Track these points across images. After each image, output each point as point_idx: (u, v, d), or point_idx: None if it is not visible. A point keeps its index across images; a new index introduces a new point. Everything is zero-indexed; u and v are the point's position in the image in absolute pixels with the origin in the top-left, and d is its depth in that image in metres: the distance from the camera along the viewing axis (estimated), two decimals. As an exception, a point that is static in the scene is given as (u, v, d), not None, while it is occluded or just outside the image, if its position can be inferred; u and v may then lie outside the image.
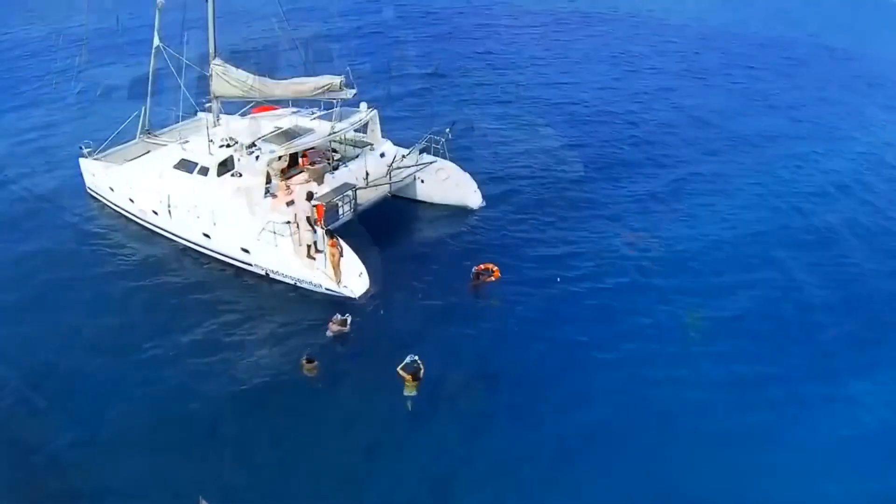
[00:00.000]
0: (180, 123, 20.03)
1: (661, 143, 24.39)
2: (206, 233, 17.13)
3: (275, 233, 15.90)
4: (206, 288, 16.49)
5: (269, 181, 17.33)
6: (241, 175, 17.09)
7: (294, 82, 18.36)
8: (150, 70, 19.17)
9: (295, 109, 19.59)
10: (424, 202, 19.66)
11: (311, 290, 16.10)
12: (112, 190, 19.09)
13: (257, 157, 17.03)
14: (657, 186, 21.43)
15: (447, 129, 19.42)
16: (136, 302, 15.89)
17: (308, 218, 15.92)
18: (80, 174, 20.00)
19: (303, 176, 18.08)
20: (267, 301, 16.24)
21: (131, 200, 18.58)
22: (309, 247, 15.98)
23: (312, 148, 18.41)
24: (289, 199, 17.00)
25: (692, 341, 14.87)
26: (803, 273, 17.36)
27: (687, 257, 17.89)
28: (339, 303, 15.53)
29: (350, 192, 17.51)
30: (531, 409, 13.16)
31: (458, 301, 15.93)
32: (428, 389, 13.32)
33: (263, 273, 16.67)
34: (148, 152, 19.20)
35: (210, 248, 17.35)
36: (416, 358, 13.10)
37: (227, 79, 18.28)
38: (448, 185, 19.23)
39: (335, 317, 14.84)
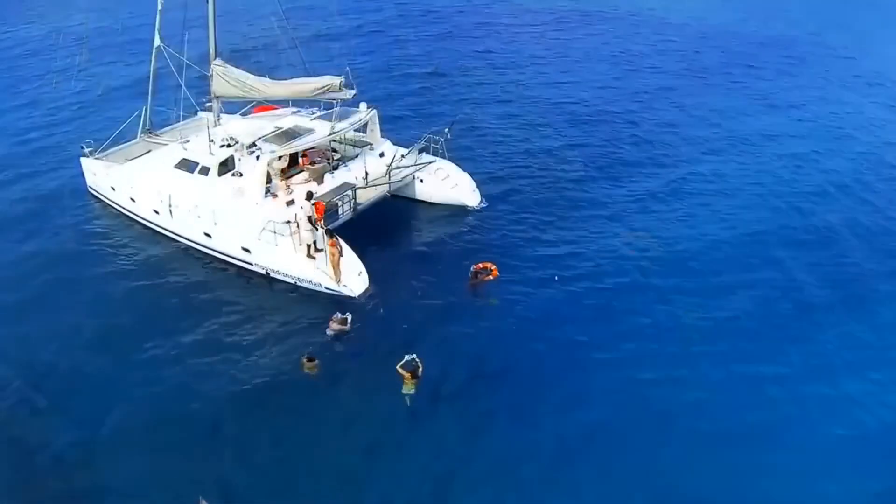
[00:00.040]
0: (181, 123, 20.10)
1: (661, 143, 24.37)
2: (206, 232, 17.18)
3: (275, 232, 15.96)
4: (206, 287, 16.53)
5: (269, 181, 17.37)
6: (241, 175, 17.12)
7: (294, 83, 18.42)
8: (151, 70, 19.23)
9: (295, 109, 19.66)
10: (423, 202, 19.70)
11: (312, 290, 16.14)
12: (113, 189, 19.13)
13: (258, 157, 17.06)
14: (657, 186, 21.43)
15: (446, 129, 19.47)
16: (137, 302, 15.94)
17: (309, 217, 15.95)
18: (82, 174, 20.04)
19: (303, 175, 18.12)
20: (267, 300, 16.29)
21: (132, 200, 18.62)
22: (309, 246, 16.02)
23: (312, 148, 18.45)
24: (289, 198, 17.03)
25: (690, 342, 14.89)
26: (803, 273, 17.37)
27: (686, 257, 17.90)
28: (339, 302, 15.58)
29: (350, 192, 17.57)
30: (530, 409, 13.21)
31: (456, 300, 15.97)
32: (427, 388, 13.38)
33: (264, 272, 16.72)
34: (149, 152, 19.25)
35: (211, 247, 17.39)
36: (415, 356, 13.22)
37: (227, 79, 18.36)
38: (447, 184, 19.27)
39: (335, 316, 14.90)
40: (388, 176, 18.53)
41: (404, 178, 19.03)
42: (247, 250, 16.69)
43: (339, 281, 15.74)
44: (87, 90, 27.47)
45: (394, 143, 19.87)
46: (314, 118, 18.65)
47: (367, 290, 15.85)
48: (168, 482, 11.53)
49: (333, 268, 15.65)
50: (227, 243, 17.03)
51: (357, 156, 19.02)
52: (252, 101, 20.02)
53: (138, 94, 21.57)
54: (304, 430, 12.75)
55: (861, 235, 19.16)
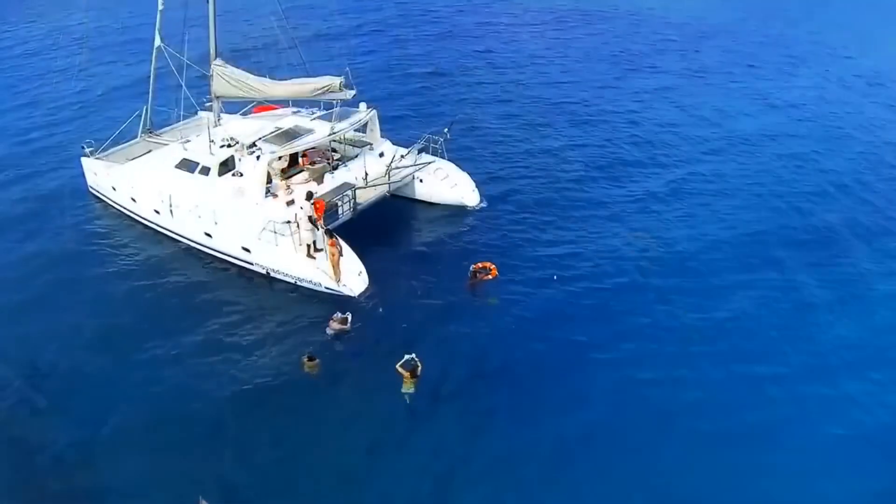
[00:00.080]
0: (181, 122, 20.13)
1: (661, 143, 24.37)
2: (207, 232, 17.22)
3: (275, 232, 15.99)
4: (207, 287, 16.56)
5: (269, 181, 17.40)
6: (241, 175, 17.14)
7: (294, 83, 18.45)
8: (152, 70, 19.25)
9: (295, 109, 19.68)
10: (423, 201, 19.72)
11: (312, 289, 16.17)
12: (114, 189, 19.16)
13: (258, 157, 17.09)
14: (656, 186, 21.43)
15: (445, 129, 19.50)
16: (138, 302, 15.95)
17: (310, 217, 15.98)
18: (82, 173, 20.06)
19: (303, 175, 18.14)
20: (268, 300, 16.32)
21: (133, 200, 18.65)
22: (309, 246, 16.05)
23: (313, 148, 18.47)
24: (289, 198, 17.06)
25: (689, 342, 14.91)
26: (802, 273, 17.37)
27: (686, 257, 17.91)
28: (339, 301, 15.60)
29: (349, 192, 17.60)
30: (530, 408, 13.23)
31: (456, 300, 16.00)
32: (427, 388, 13.41)
33: (264, 272, 16.75)
34: (149, 151, 19.26)
35: (211, 247, 17.43)
36: (414, 356, 13.29)
37: (227, 79, 18.39)
38: (446, 184, 19.30)
39: (336, 315, 14.94)
40: (387, 176, 18.56)
41: (404, 178, 19.05)
42: (247, 250, 16.73)
43: (338, 281, 15.77)
44: (87, 90, 27.46)
45: (394, 143, 19.89)
46: (314, 118, 18.67)
47: (366, 289, 15.89)
48: (168, 482, 11.55)
49: (333, 267, 15.68)
50: (227, 243, 17.06)
51: (357, 156, 19.04)
52: (252, 101, 20.04)
53: (139, 94, 21.57)
54: (304, 429, 12.79)
55: (860, 235, 19.17)
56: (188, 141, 18.32)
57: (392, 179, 18.62)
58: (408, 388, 13.19)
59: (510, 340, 14.90)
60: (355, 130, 19.18)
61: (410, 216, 19.50)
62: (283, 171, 18.30)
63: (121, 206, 19.27)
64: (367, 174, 18.46)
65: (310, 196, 16.52)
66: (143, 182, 18.12)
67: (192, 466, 11.86)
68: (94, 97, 26.68)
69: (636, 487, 11.70)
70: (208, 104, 19.65)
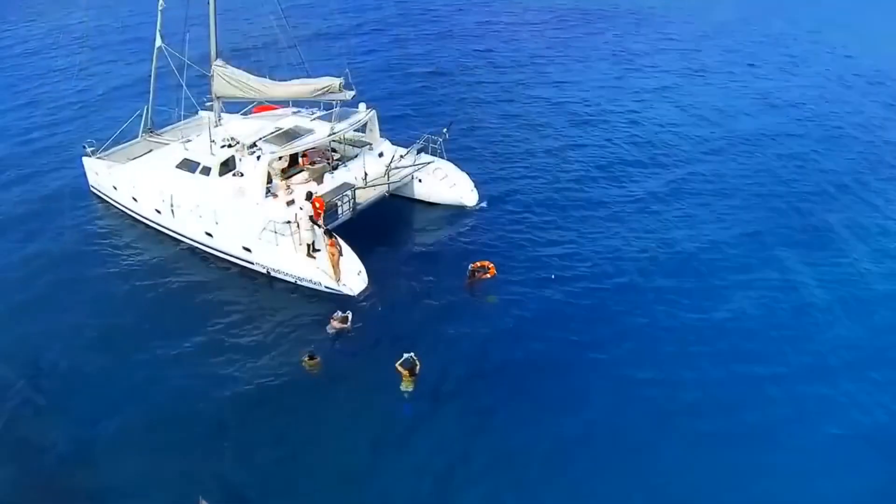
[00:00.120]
0: (182, 122, 20.19)
1: (661, 143, 24.36)
2: (208, 232, 17.27)
3: (275, 232, 16.04)
4: (207, 287, 16.60)
5: (269, 181, 17.45)
6: (242, 175, 17.19)
7: (294, 83, 18.50)
8: (153, 70, 19.28)
9: (295, 109, 19.73)
10: (422, 201, 19.76)
11: (312, 289, 16.22)
12: (115, 189, 19.21)
13: (258, 158, 17.13)
14: (656, 186, 21.44)
15: (444, 130, 19.56)
16: (138, 301, 15.99)
17: (311, 217, 16.04)
18: (84, 173, 20.10)
19: (303, 175, 18.19)
20: (268, 300, 16.37)
21: (134, 199, 18.70)
22: (309, 246, 16.11)
23: (313, 148, 18.51)
24: (289, 198, 17.11)
25: (688, 342, 14.94)
26: (801, 273, 17.39)
27: (685, 257, 17.93)
28: (339, 301, 15.65)
29: (349, 192, 17.65)
30: (529, 407, 13.27)
31: (455, 299, 16.05)
32: (426, 386, 13.48)
33: (265, 272, 16.80)
34: (150, 151, 19.30)
35: (212, 246, 17.48)
36: (413, 354, 13.42)
37: (228, 79, 18.44)
38: (445, 184, 19.34)
39: (336, 314, 15.01)
40: (387, 176, 18.60)
41: (403, 178, 19.10)
42: (248, 250, 16.78)
43: (338, 280, 15.83)
44: (88, 89, 27.50)
45: (394, 143, 19.94)
46: (314, 118, 18.71)
47: (366, 289, 15.94)
48: (168, 482, 11.59)
49: (333, 267, 15.74)
50: (228, 243, 17.11)
51: (356, 156, 19.09)
52: (252, 102, 20.08)
53: (139, 94, 21.62)
54: (305, 429, 12.83)
55: (860, 235, 19.17)
56: (189, 141, 18.37)
57: (391, 179, 18.67)
58: (406, 386, 13.32)
59: (509, 340, 14.95)
60: (355, 130, 19.22)
61: (409, 216, 19.54)
62: (283, 171, 18.35)
63: (122, 205, 19.32)
64: (366, 174, 18.51)
65: (309, 196, 16.57)
66: (145, 182, 18.17)
67: (192, 466, 11.90)
68: (95, 97, 26.71)
69: (635, 487, 11.74)
70: (209, 104, 19.70)
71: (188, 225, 17.63)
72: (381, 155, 19.25)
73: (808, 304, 16.28)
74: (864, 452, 12.54)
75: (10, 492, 11.60)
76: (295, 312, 15.78)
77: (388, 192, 18.66)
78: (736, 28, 38.23)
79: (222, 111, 19.56)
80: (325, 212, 16.55)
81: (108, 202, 19.83)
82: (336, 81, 17.82)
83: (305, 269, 16.13)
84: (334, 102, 18.20)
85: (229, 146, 17.60)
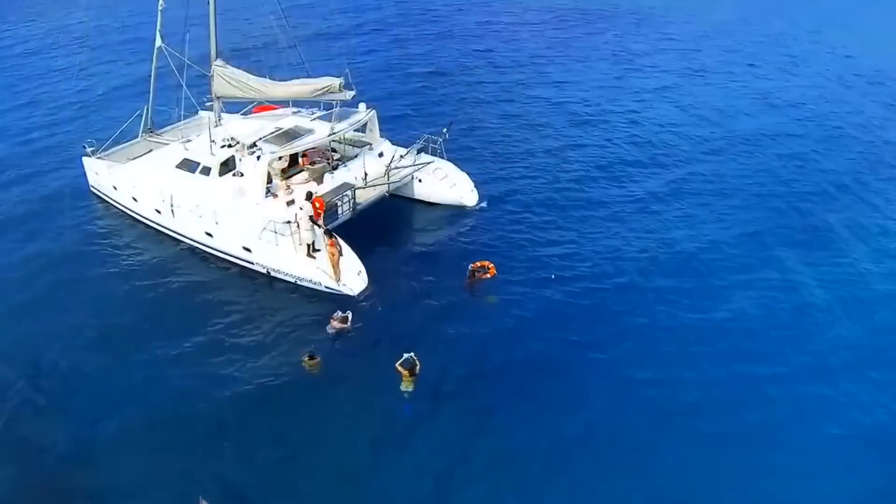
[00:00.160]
0: (182, 122, 20.21)
1: (661, 143, 24.37)
2: (208, 232, 17.29)
3: (276, 232, 16.05)
4: (208, 287, 16.61)
5: (269, 181, 17.46)
6: (242, 175, 17.20)
7: (294, 84, 18.51)
8: (153, 70, 19.30)
9: (295, 109, 19.74)
10: (422, 201, 19.78)
11: (312, 289, 16.23)
12: (115, 189, 19.23)
13: (258, 158, 17.14)
14: (656, 186, 21.44)
15: (444, 130, 19.58)
16: (139, 302, 15.99)
17: (311, 217, 16.05)
18: (84, 173, 20.10)
19: (303, 175, 18.21)
20: (268, 300, 16.38)
21: (134, 199, 18.71)
22: (309, 246, 16.11)
23: (313, 148, 18.52)
24: (289, 198, 17.12)
25: (687, 342, 14.95)
26: (801, 273, 17.39)
27: (685, 257, 17.94)
28: (339, 301, 15.67)
29: (349, 192, 17.66)
30: (529, 408, 13.28)
31: (455, 299, 16.06)
32: (426, 386, 13.49)
33: (265, 272, 16.81)
34: (150, 151, 19.32)
35: (212, 246, 17.49)
36: (413, 354, 13.46)
37: (228, 79, 18.46)
38: (445, 184, 19.36)
39: (336, 314, 15.02)
40: (387, 176, 18.61)
41: (403, 178, 19.11)
42: (248, 250, 16.79)
43: (338, 280, 15.84)
44: (88, 89, 27.50)
45: (394, 143, 19.96)
46: (314, 118, 18.72)
47: (366, 288, 15.95)
48: (168, 482, 11.60)
49: (333, 267, 15.75)
50: (228, 243, 17.12)
51: (356, 156, 19.10)
52: (252, 102, 20.09)
53: (139, 94, 21.63)
54: (305, 429, 12.84)
55: (860, 235, 19.18)
56: (189, 141, 18.38)
57: (391, 179, 18.68)
58: (406, 386, 13.36)
59: (509, 340, 14.96)
60: (355, 130, 19.23)
61: (409, 216, 19.55)
62: (283, 171, 18.36)
63: (122, 205, 19.34)
64: (366, 174, 18.52)
65: (309, 196, 16.59)
66: (145, 182, 18.18)
67: (192, 466, 11.91)
68: (95, 97, 26.72)
69: (635, 487, 11.75)
70: (209, 104, 19.71)
71: (188, 225, 17.64)
72: (381, 155, 19.27)
73: (808, 304, 16.30)
74: (864, 452, 12.55)
75: (10, 491, 11.61)
76: (295, 312, 15.79)
77: (388, 192, 18.67)
78: (736, 28, 38.24)
79: (222, 111, 19.58)
80: (325, 212, 16.56)
81: (108, 202, 19.84)
82: (336, 81, 17.84)
83: (305, 269, 16.14)
84: (334, 102, 18.20)
85: (229, 146, 17.62)
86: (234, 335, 14.95)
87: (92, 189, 20.23)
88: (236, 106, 20.59)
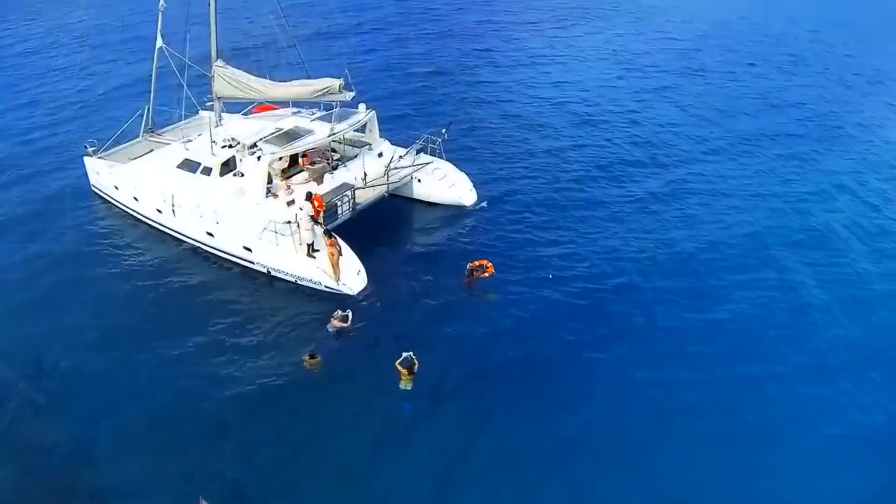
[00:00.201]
0: (183, 122, 20.25)
1: (661, 143, 24.39)
2: (209, 231, 17.34)
3: (276, 232, 16.11)
4: (208, 287, 16.64)
5: (269, 181, 17.51)
6: (242, 175, 17.25)
7: (294, 84, 18.55)
8: (153, 70, 19.33)
9: (295, 110, 19.78)
10: (421, 201, 19.82)
11: (312, 288, 16.28)
12: (116, 188, 19.27)
13: (259, 158, 17.19)
14: (656, 186, 21.46)
15: (443, 130, 19.63)
16: (140, 302, 16.01)
17: (312, 216, 16.10)
18: (85, 173, 20.13)
19: (303, 175, 18.26)
20: (269, 299, 16.42)
21: (136, 199, 18.76)
22: (309, 245, 16.17)
23: (313, 148, 18.56)
24: (289, 198, 17.17)
25: (686, 342, 15.00)
26: (800, 273, 17.43)
27: (684, 257, 17.97)
28: (338, 300, 15.72)
29: (349, 192, 17.71)
30: (528, 407, 13.33)
31: (454, 298, 16.11)
32: (425, 385, 13.55)
33: (265, 271, 16.86)
34: (151, 151, 19.36)
35: (213, 246, 17.54)
36: (412, 354, 13.56)
37: (228, 80, 18.51)
38: (444, 184, 19.40)
39: (336, 313, 15.09)
40: (386, 176, 18.65)
41: (402, 178, 19.16)
42: (248, 249, 16.85)
43: (338, 280, 15.89)
44: (88, 89, 27.51)
45: (395, 143, 20.00)
46: (314, 119, 18.76)
47: (365, 288, 16.02)
48: (168, 482, 11.64)
49: (333, 267, 15.81)
50: (228, 242, 17.18)
51: (356, 156, 19.15)
52: (253, 102, 20.12)
53: (140, 93, 21.65)
54: (305, 428, 12.90)
55: (859, 236, 19.21)
56: (190, 140, 18.42)
57: (391, 180, 18.72)
58: (405, 384, 13.50)
59: (508, 339, 15.00)
60: (355, 131, 19.27)
61: (409, 216, 19.59)
62: (283, 171, 18.41)
63: (123, 205, 19.38)
64: (365, 174, 18.56)
65: (309, 197, 16.63)
66: (146, 181, 18.23)
67: (193, 466, 11.95)
68: (96, 96, 26.73)
69: (634, 487, 11.80)
70: (209, 104, 19.74)
71: (189, 225, 17.69)
72: (380, 155, 19.31)
73: (806, 305, 16.34)
74: (863, 452, 12.61)
75: (11, 491, 11.66)
76: (295, 312, 15.84)
77: (387, 192, 18.71)
78: (736, 27, 38.26)
79: (223, 111, 19.62)
80: (325, 212, 16.60)
81: (109, 202, 19.88)
82: (336, 83, 17.88)
83: (305, 268, 16.19)
84: (334, 103, 18.24)
85: (230, 146, 17.66)
86: (234, 335, 15.00)
87: (93, 189, 20.27)
88: (237, 106, 20.62)
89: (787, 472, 12.13)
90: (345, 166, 18.77)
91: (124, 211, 19.39)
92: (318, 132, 18.15)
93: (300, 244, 16.10)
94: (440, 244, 18.34)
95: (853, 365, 14.56)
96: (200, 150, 17.72)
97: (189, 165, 17.59)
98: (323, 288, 16.14)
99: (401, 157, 19.25)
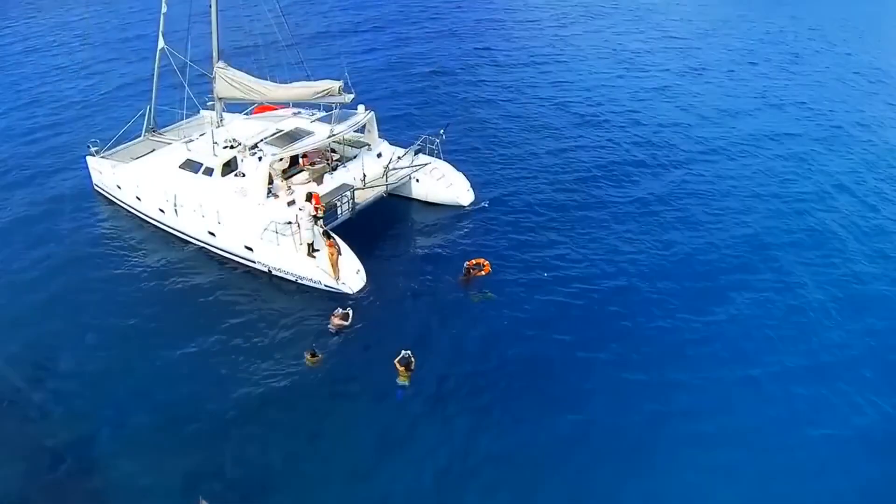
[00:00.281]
0: (184, 121, 20.39)
1: (661, 143, 24.40)
2: (211, 231, 17.50)
3: (277, 232, 16.27)
4: (210, 287, 16.74)
5: (270, 182, 17.65)
6: (244, 175, 17.40)
7: (295, 86, 18.69)
8: (155, 70, 19.46)
9: (296, 110, 19.92)
10: (419, 201, 19.95)
11: (313, 287, 16.45)
12: (119, 188, 19.41)
13: (260, 159, 17.34)
14: (655, 186, 21.52)
15: (441, 131, 19.76)
16: (143, 302, 16.11)
17: (314, 216, 16.25)
18: (88, 173, 20.24)
19: (303, 175, 18.40)
20: (270, 298, 16.53)
21: (138, 199, 18.91)
22: (309, 245, 16.33)
23: (313, 149, 18.69)
24: (290, 199, 17.32)
25: (684, 342, 15.14)
26: (798, 274, 17.50)
27: (682, 258, 18.03)
28: (338, 299, 15.88)
29: (348, 193, 17.86)
30: (525, 407, 13.44)
31: (451, 296, 16.25)
32: (422, 383, 13.72)
33: (266, 270, 17.04)
34: (153, 150, 19.49)
35: (215, 246, 17.71)
36: (410, 353, 13.82)
37: (230, 81, 18.65)
38: (442, 184, 19.54)
39: (337, 311, 15.25)
40: (385, 177, 18.80)
41: (401, 178, 19.30)
42: (250, 249, 17.01)
43: (337, 279, 16.07)
44: (90, 88, 27.58)
45: (394, 142, 20.14)
46: (314, 120, 18.90)
47: (364, 287, 16.19)
48: (169, 482, 11.74)
49: (332, 266, 15.99)
50: (230, 242, 17.34)
51: (355, 157, 19.29)
52: (254, 102, 20.25)
53: (141, 92, 21.78)
54: (306, 426, 13.05)
55: (858, 237, 19.28)
56: (191, 140, 18.55)
57: (389, 180, 18.86)
58: (403, 380, 13.76)
59: (506, 338, 15.12)
60: (354, 131, 19.40)
61: (407, 215, 19.70)
62: (283, 171, 18.55)
63: (126, 204, 19.52)
64: (364, 175, 18.70)
65: (309, 198, 16.79)
66: (148, 181, 18.38)
67: (194, 466, 12.06)
68: (98, 96, 26.80)
69: (631, 486, 11.94)
70: (210, 103, 19.88)
71: (191, 224, 17.85)
72: (379, 156, 19.45)
73: (803, 305, 16.42)
74: (859, 452, 12.73)
75: (13, 491, 11.79)
76: (296, 310, 15.97)
77: (386, 192, 18.85)
78: (736, 26, 38.25)
79: (224, 111, 19.76)
80: (324, 212, 16.74)
81: (112, 201, 20.00)
82: (336, 85, 18.02)
83: (306, 268, 16.36)
84: (334, 105, 18.38)
85: (231, 147, 17.81)
86: (237, 334, 15.12)
87: (96, 188, 20.40)
88: (237, 106, 20.75)
89: (785, 472, 12.23)
90: (344, 167, 18.91)
91: (127, 211, 19.52)
92: (319, 133, 18.29)
93: (301, 244, 16.27)
94: (438, 243, 18.46)
95: (850, 365, 14.64)
96: (202, 151, 17.87)
97: (191, 166, 17.74)
98: (323, 287, 16.31)
99: (399, 157, 19.39)
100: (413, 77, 29.38)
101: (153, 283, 16.79)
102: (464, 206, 19.56)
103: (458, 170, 19.88)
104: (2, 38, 34.56)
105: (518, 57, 32.53)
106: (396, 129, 21.94)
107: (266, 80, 18.96)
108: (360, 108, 19.12)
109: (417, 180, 19.64)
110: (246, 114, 20.81)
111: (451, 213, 19.52)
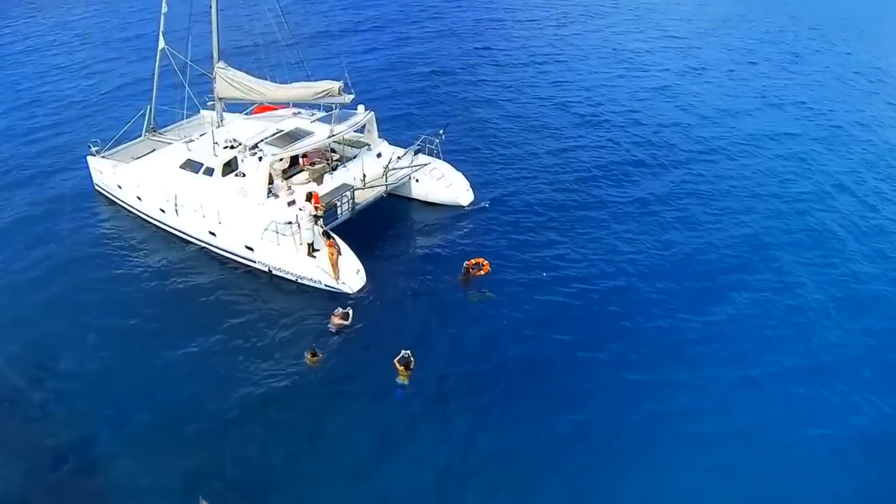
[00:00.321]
0: (185, 121, 20.42)
1: (661, 143, 24.43)
2: (211, 231, 17.54)
3: (277, 232, 16.30)
4: (211, 287, 16.78)
5: (270, 182, 17.69)
6: (244, 175, 17.43)
7: (295, 87, 18.72)
8: (156, 70, 19.49)
9: (296, 110, 19.95)
10: (419, 201, 19.98)
11: (313, 287, 16.48)
12: (120, 188, 19.44)
13: (260, 159, 17.37)
14: (655, 186, 21.55)
15: (440, 131, 19.80)
16: (145, 302, 16.13)
17: (314, 216, 16.28)
18: (88, 172, 20.27)
19: (303, 175, 18.44)
20: (271, 298, 16.57)
21: (139, 198, 18.94)
22: (309, 245, 16.37)
23: (313, 149, 18.72)
24: (290, 199, 17.36)
25: (683, 342, 15.17)
26: (798, 274, 17.54)
27: (682, 258, 18.06)
28: (338, 298, 15.92)
29: (348, 193, 17.89)
30: (524, 407, 13.49)
31: (451, 296, 16.30)
32: (423, 384, 13.76)
33: (267, 270, 17.07)
34: (154, 150, 19.53)
35: (216, 245, 17.75)
36: (409, 352, 13.87)
37: (230, 82, 18.68)
38: (442, 184, 19.57)
39: (337, 310, 15.29)
40: (385, 177, 18.83)
41: (400, 178, 19.33)
42: (250, 249, 17.04)
43: (337, 278, 16.11)
44: (90, 88, 27.61)
45: (394, 142, 20.17)
46: (314, 120, 18.94)
47: (364, 286, 16.23)
48: (169, 482, 11.77)
49: (332, 266, 16.03)
50: (231, 242, 17.37)
51: (355, 157, 19.33)
52: (254, 103, 20.29)
53: (142, 92, 21.80)
54: (306, 426, 13.09)
55: (857, 237, 19.31)
56: (192, 140, 18.58)
57: (389, 180, 18.90)
58: (402, 379, 13.81)
59: (506, 338, 15.16)
60: (354, 131, 19.43)
61: (407, 215, 19.73)
62: (283, 171, 18.58)
63: (127, 204, 19.56)
64: (364, 175, 18.74)
65: (309, 198, 16.82)
66: (149, 181, 18.41)
67: (194, 466, 12.10)
68: (98, 96, 26.82)
69: (630, 486, 11.97)
70: (211, 103, 19.92)
71: (192, 224, 17.88)
72: (379, 156, 19.48)
73: (803, 305, 16.45)
74: (858, 452, 12.76)
75: (14, 491, 11.82)
76: (297, 310, 16.01)
77: (385, 192, 18.88)
78: (736, 25, 38.26)
79: (224, 111, 19.79)
80: (324, 212, 16.78)
81: (112, 201, 20.03)
82: (336, 85, 18.05)
83: (306, 267, 16.40)
84: (334, 105, 18.41)
85: (231, 147, 17.84)
86: (237, 334, 15.15)
87: (96, 188, 20.43)
88: (238, 106, 20.78)
89: (784, 472, 12.26)
90: (344, 167, 18.94)
91: (127, 211, 19.55)
92: (319, 133, 18.32)
93: (301, 244, 16.30)
94: (438, 243, 18.49)
95: (849, 365, 14.67)
96: (203, 151, 17.90)
97: (192, 166, 17.77)
98: (323, 287, 16.34)
99: (399, 157, 19.42)
100: (413, 77, 29.41)
101: (154, 283, 16.83)
102: (463, 206, 19.60)
103: (458, 170, 19.92)
104: (2, 38, 34.56)
105: (518, 57, 32.55)
106: (396, 129, 21.96)
107: (266, 80, 18.98)
108: (360, 108, 19.15)
109: (417, 180, 19.67)
110: (246, 114, 20.84)
111: (451, 213, 19.56)
